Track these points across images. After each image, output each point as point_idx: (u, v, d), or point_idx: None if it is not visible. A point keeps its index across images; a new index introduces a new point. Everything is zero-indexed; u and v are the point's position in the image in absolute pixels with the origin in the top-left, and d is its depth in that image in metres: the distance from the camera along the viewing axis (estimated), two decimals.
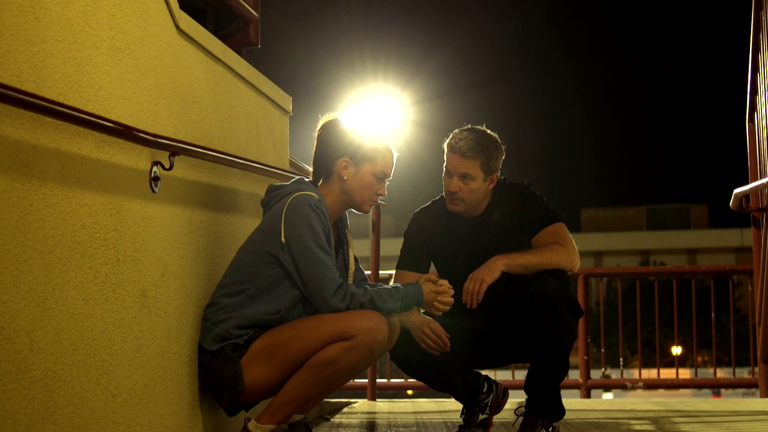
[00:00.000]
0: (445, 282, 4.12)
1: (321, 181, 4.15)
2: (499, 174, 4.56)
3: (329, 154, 4.12)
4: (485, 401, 4.67)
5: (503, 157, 4.56)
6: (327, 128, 4.16)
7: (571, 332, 4.45)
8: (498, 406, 4.70)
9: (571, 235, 4.55)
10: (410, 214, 4.88)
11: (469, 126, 4.58)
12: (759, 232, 7.23)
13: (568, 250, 4.47)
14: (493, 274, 4.39)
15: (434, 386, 4.75)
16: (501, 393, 4.71)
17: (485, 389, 4.68)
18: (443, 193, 4.63)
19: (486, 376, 4.73)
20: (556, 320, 4.38)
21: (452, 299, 4.12)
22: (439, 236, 4.67)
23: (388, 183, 4.19)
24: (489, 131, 4.56)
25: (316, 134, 4.18)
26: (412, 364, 4.59)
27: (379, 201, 4.29)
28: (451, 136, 4.53)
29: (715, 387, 9.52)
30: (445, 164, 4.53)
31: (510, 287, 4.52)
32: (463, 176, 4.45)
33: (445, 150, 4.53)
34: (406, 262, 4.72)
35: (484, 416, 4.67)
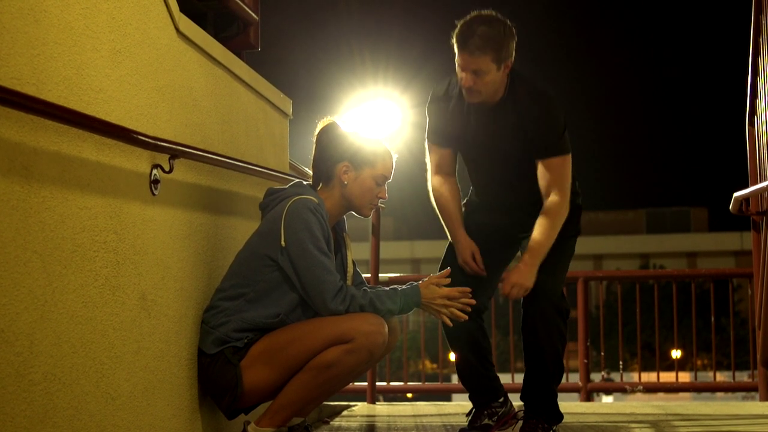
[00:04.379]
0: (449, 289, 4.09)
1: (321, 185, 4.15)
2: (512, 59, 4.45)
3: (329, 158, 4.11)
4: (497, 409, 4.67)
5: (515, 41, 4.44)
6: (326, 132, 4.16)
7: (562, 336, 4.49)
8: (505, 423, 4.69)
9: (570, 170, 4.53)
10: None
11: (475, 14, 4.41)
12: (759, 236, 7.22)
13: (562, 205, 4.45)
14: (532, 279, 4.38)
15: (461, 371, 4.75)
16: (513, 413, 4.71)
17: (501, 399, 4.69)
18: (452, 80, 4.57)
19: (507, 394, 4.74)
20: (547, 328, 4.42)
21: (460, 304, 4.08)
22: (454, 120, 4.61)
23: (387, 186, 4.19)
24: (497, 16, 4.41)
25: (315, 138, 4.18)
26: (456, 340, 4.66)
27: (379, 204, 4.28)
28: (458, 29, 4.37)
29: (715, 390, 9.52)
30: (456, 58, 4.40)
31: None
32: (475, 72, 4.35)
33: (454, 45, 4.38)
34: (434, 136, 4.69)
35: (489, 423, 4.66)
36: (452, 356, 4.82)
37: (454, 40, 4.38)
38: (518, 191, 4.59)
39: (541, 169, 4.46)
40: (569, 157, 4.50)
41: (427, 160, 4.73)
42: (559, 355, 4.50)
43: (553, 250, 4.43)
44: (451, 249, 4.65)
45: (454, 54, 4.40)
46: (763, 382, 7.40)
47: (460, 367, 4.75)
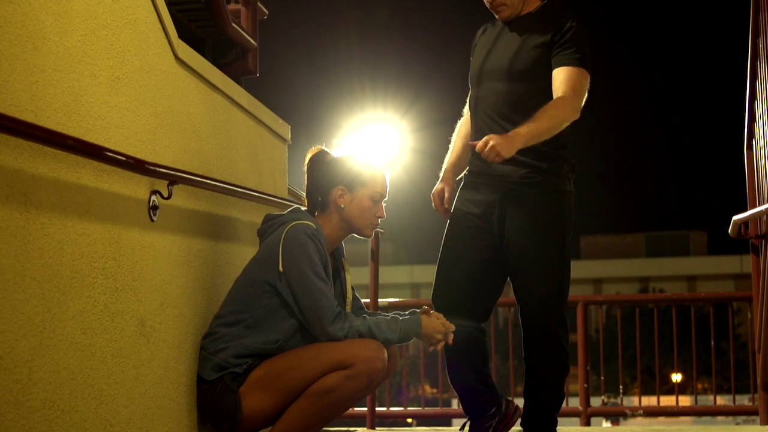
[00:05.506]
0: (442, 320, 4.10)
1: (317, 212, 4.16)
2: None
3: (322, 185, 4.13)
4: (487, 424, 4.64)
5: None
6: (316, 160, 4.18)
7: (563, 366, 4.47)
8: (506, 425, 4.65)
9: (586, 85, 4.43)
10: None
11: None
12: (758, 259, 7.21)
13: (571, 103, 4.33)
14: (511, 150, 4.17)
15: (453, 380, 4.66)
16: (512, 412, 4.66)
17: (491, 412, 4.64)
18: None
19: (499, 400, 4.68)
20: (547, 360, 4.42)
21: (441, 338, 4.08)
22: (483, 43, 4.64)
23: (385, 204, 4.21)
24: None
25: (305, 168, 4.19)
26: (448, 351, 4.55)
27: (378, 229, 4.28)
28: None
29: (715, 414, 9.49)
30: None
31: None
32: None
33: None
34: (469, 77, 4.73)
35: None
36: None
37: None
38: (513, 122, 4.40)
39: (554, 76, 4.40)
40: (588, 77, 4.43)
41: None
42: (559, 386, 4.49)
43: (546, 271, 4.42)
44: (440, 267, 4.62)
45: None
46: (764, 405, 7.37)
47: (450, 374, 4.68)
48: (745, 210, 7.18)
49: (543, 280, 4.42)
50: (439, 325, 4.06)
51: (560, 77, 4.39)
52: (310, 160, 4.19)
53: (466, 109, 4.78)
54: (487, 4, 4.52)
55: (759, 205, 6.92)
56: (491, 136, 4.17)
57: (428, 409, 9.32)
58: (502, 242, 4.48)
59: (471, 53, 4.71)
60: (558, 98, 4.34)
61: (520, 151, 4.31)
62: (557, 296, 4.45)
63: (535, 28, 4.46)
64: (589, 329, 8.44)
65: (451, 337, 4.10)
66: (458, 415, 7.70)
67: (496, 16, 4.57)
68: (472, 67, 4.65)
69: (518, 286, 4.49)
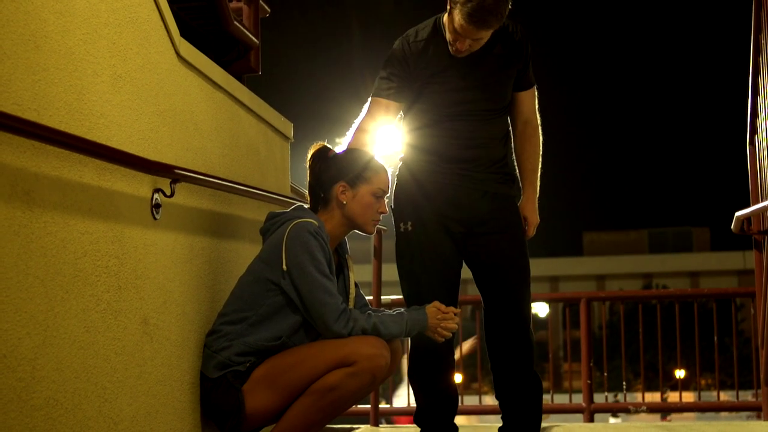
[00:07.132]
0: (451, 309, 4.11)
1: (320, 208, 4.16)
2: None
3: (324, 181, 4.13)
4: None
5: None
6: (318, 157, 4.18)
7: (538, 384, 4.47)
8: None
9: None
10: None
11: None
12: (761, 255, 7.21)
13: (539, 131, 4.60)
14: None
15: (438, 382, 4.54)
16: None
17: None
18: (437, 22, 4.40)
19: None
20: (523, 386, 4.44)
21: (456, 326, 4.10)
22: (428, 51, 4.40)
23: (387, 200, 4.21)
24: None
25: (308, 164, 4.20)
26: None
27: (380, 227, 4.28)
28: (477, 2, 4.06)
29: (719, 410, 9.47)
30: (454, 23, 4.17)
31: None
32: (475, 40, 4.25)
33: (459, 11, 4.11)
34: (394, 87, 4.42)
35: None
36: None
37: (461, 6, 4.09)
38: (483, 140, 4.42)
39: (521, 100, 4.56)
40: (536, 91, 4.65)
41: (364, 113, 4.43)
42: (539, 404, 4.50)
43: (526, 272, 4.46)
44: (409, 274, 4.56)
45: (449, 9, 4.20)
46: (767, 401, 7.37)
47: (435, 377, 4.65)
48: (747, 206, 7.18)
49: (525, 283, 4.46)
50: (444, 317, 4.07)
51: (528, 100, 4.59)
52: (312, 156, 4.20)
53: (370, 117, 4.42)
54: (452, 46, 4.27)
55: (761, 201, 6.91)
56: (530, 217, 4.54)
57: None
58: (477, 244, 4.45)
59: (407, 64, 4.38)
60: (534, 131, 4.59)
61: (492, 164, 4.44)
62: (528, 294, 4.52)
63: (501, 56, 4.42)
64: (592, 326, 8.44)
65: (455, 328, 4.11)
66: (461, 412, 7.71)
67: (453, 53, 4.30)
68: (433, 99, 4.41)
69: (502, 287, 4.44)
